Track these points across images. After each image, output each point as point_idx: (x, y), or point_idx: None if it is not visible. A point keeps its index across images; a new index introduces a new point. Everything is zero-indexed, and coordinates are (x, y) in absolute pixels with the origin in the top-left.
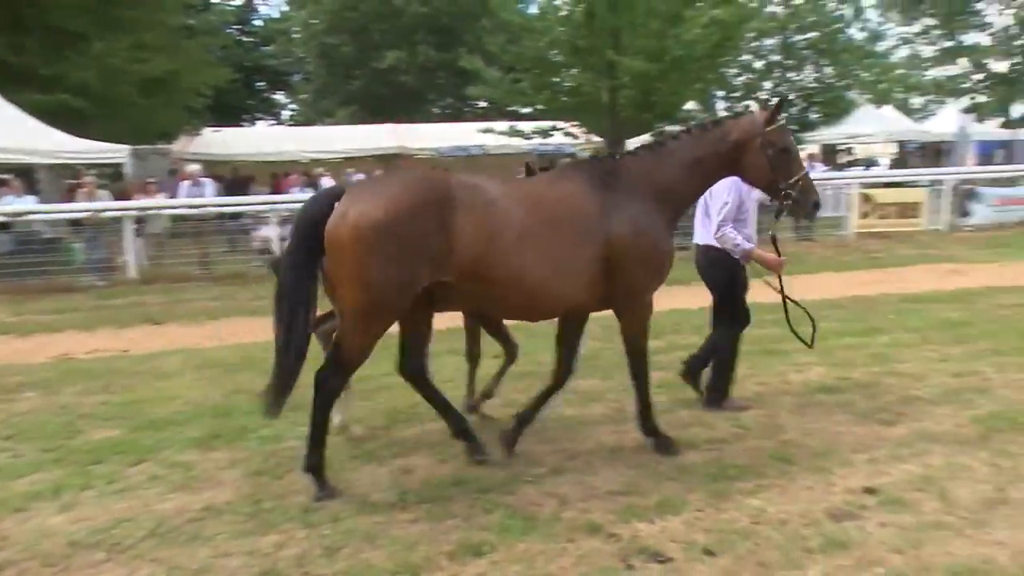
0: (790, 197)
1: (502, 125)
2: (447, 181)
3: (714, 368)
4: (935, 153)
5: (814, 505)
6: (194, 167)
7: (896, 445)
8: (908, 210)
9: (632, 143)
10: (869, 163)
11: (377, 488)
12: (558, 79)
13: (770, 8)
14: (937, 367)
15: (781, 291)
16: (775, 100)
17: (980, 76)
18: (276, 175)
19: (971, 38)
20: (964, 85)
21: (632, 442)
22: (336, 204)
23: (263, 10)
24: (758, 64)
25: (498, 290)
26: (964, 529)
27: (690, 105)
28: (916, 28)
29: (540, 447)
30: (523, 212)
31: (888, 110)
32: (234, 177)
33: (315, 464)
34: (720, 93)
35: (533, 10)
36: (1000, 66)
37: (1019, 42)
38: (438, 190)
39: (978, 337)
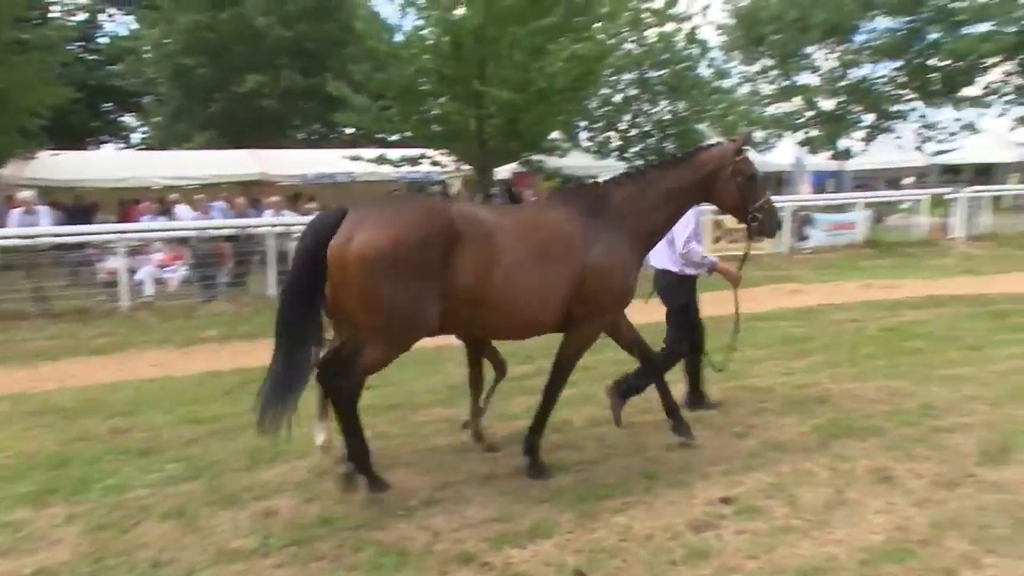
0: (756, 219)
1: (370, 152)
2: (449, 212)
3: (640, 370)
4: (776, 182)
5: (676, 518)
6: (27, 193)
7: (749, 456)
8: None
9: (500, 171)
10: None
11: (238, 534)
12: (426, 107)
13: (626, 46)
14: (782, 380)
15: (736, 307)
16: (742, 134)
17: (812, 113)
18: (124, 202)
19: (803, 79)
20: (799, 121)
21: (505, 469)
22: (339, 228)
23: (109, 27)
24: (617, 98)
25: (492, 314)
26: (810, 531)
27: (555, 135)
28: (756, 67)
29: (412, 479)
30: (516, 241)
31: None
32: (76, 204)
33: (363, 465)
34: (583, 124)
35: (400, 38)
36: (828, 104)
37: (843, 83)
38: (441, 221)
39: (817, 351)
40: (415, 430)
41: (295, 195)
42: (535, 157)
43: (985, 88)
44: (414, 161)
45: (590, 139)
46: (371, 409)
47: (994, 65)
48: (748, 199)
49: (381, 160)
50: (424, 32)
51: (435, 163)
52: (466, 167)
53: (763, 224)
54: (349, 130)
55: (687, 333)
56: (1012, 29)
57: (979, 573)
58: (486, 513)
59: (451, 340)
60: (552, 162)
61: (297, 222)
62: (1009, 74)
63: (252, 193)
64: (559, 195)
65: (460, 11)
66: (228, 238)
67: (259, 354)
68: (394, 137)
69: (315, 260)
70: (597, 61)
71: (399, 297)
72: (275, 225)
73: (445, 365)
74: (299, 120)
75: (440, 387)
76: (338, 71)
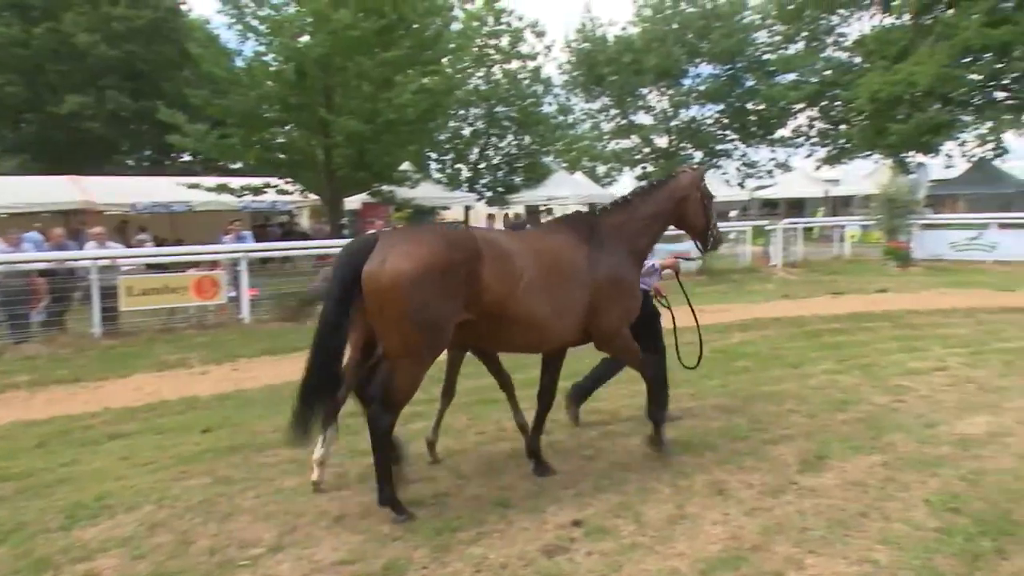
0: (712, 236)
1: (210, 181)
2: (473, 237)
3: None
4: None
5: (530, 545)
6: None
7: (598, 477)
8: None
9: (350, 201)
10: None
11: None
12: (270, 135)
13: (474, 81)
14: (628, 403)
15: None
16: (699, 164)
17: (648, 149)
18: None
19: (640, 118)
20: (637, 156)
21: (356, 507)
22: (372, 254)
23: None
24: (466, 131)
25: (511, 328)
26: (654, 546)
27: (405, 166)
28: (597, 105)
29: (256, 526)
30: (530, 262)
31: (579, 176)
32: None
33: (389, 496)
34: (433, 155)
35: (241, 64)
36: (662, 141)
37: (674, 123)
38: (467, 246)
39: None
40: (259, 472)
41: (122, 224)
42: (385, 188)
43: (794, 131)
44: (258, 190)
45: (440, 170)
46: (210, 453)
47: (801, 110)
48: (709, 219)
49: (221, 189)
50: (267, 58)
51: (281, 192)
52: (314, 197)
53: (716, 240)
54: (186, 156)
55: (658, 340)
56: (814, 80)
57: (802, 573)
58: (337, 555)
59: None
60: (402, 193)
61: (126, 255)
62: (813, 119)
63: (72, 223)
64: (561, 222)
65: (305, 39)
66: (43, 272)
67: (82, 399)
68: (236, 165)
69: (350, 283)
70: (445, 94)
71: (428, 317)
72: (99, 258)
73: (292, 403)
74: (129, 145)
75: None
76: (174, 95)
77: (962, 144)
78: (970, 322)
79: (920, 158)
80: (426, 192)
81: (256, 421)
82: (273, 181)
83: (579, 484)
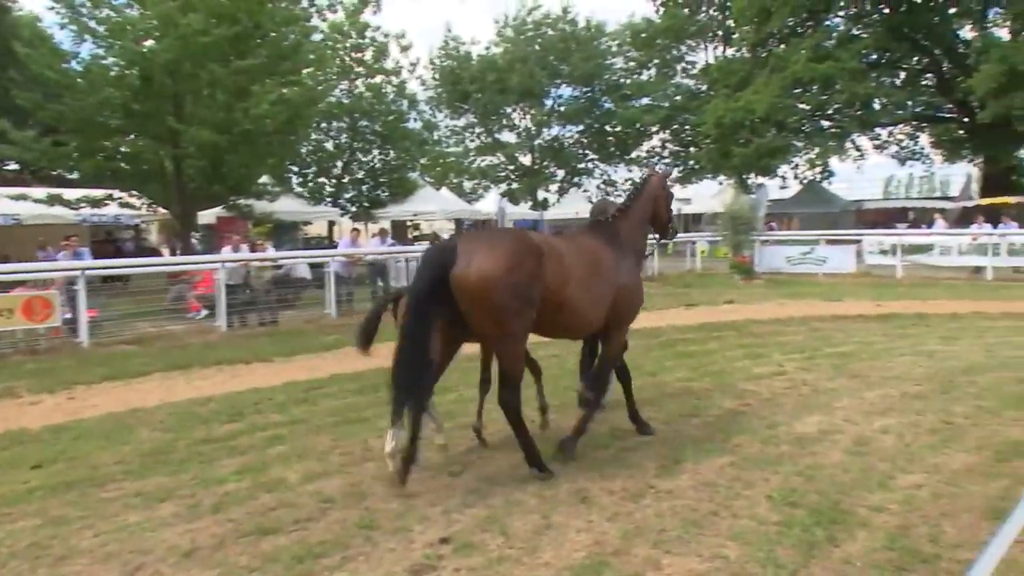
0: (673, 229)
1: (40, 192)
2: (535, 240)
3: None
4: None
5: (396, 566)
6: None
7: (466, 492)
8: None
9: (204, 215)
10: (435, 238)
11: None
12: (111, 144)
13: (337, 93)
14: (494, 416)
15: None
16: (660, 167)
17: (513, 167)
18: None
19: (504, 136)
20: (502, 173)
21: (209, 539)
22: (457, 258)
23: None
24: (329, 144)
25: (560, 315)
26: (521, 558)
27: (264, 179)
28: (463, 122)
29: (95, 567)
30: (576, 261)
31: (446, 191)
32: None
33: (536, 460)
34: (295, 169)
35: (77, 66)
36: (526, 159)
37: (537, 141)
38: (533, 248)
39: (525, 386)
40: (99, 509)
41: None
42: (242, 201)
43: (648, 151)
44: (98, 202)
45: (302, 184)
46: (40, 491)
47: (655, 133)
48: (669, 215)
49: (54, 200)
50: (107, 62)
51: (125, 204)
52: (163, 210)
53: (674, 231)
54: (13, 166)
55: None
56: (666, 105)
57: (659, 573)
58: None
59: (148, 402)
60: (261, 207)
61: None
62: (665, 141)
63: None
64: (588, 229)
65: (150, 44)
66: None
67: None
68: (73, 175)
69: (437, 283)
70: (306, 106)
71: (513, 307)
72: None
73: (137, 431)
74: None
75: (132, 456)
76: None
77: (795, 167)
78: (804, 330)
79: (760, 179)
80: (287, 206)
81: (97, 453)
82: (117, 193)
83: (446, 501)
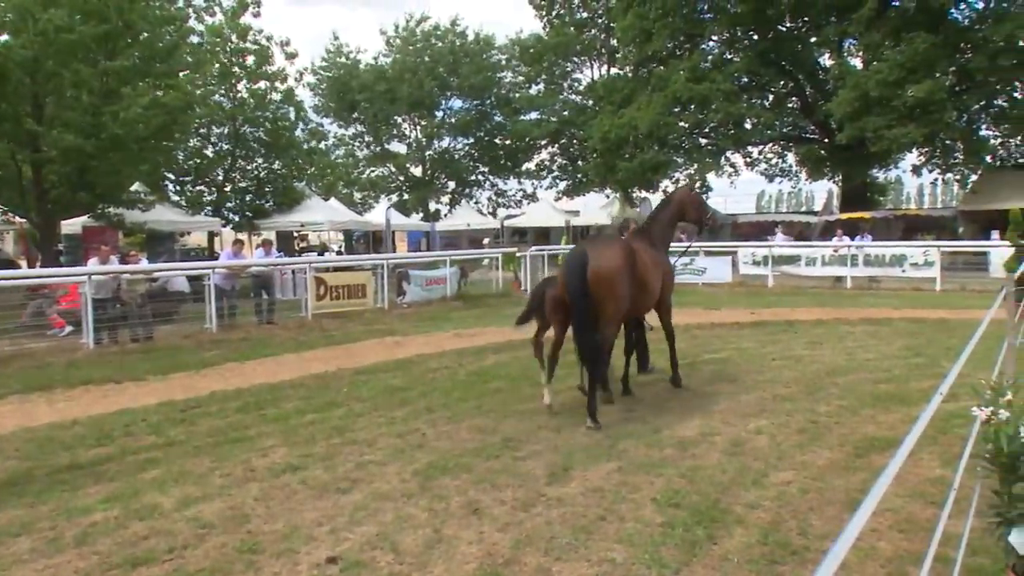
0: (711, 220)
1: None
2: (630, 243)
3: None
4: (377, 240)
5: None
6: None
7: (354, 510)
8: (356, 291)
9: (69, 224)
10: (322, 249)
11: None
12: None
13: (218, 98)
14: (384, 430)
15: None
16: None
17: (403, 177)
18: None
19: (395, 146)
20: (392, 184)
21: (72, 574)
22: (589, 260)
23: None
24: (209, 151)
25: (641, 296)
26: (412, 573)
27: (137, 187)
28: (352, 131)
29: None
30: (646, 258)
31: (334, 202)
32: None
33: (594, 410)
34: (172, 176)
35: None
36: (417, 171)
37: (428, 152)
38: (630, 249)
39: (416, 399)
40: None
41: None
42: (112, 210)
43: (538, 165)
44: None
45: (179, 193)
46: None
47: (544, 146)
48: (703, 213)
49: None
50: None
51: None
52: (20, 219)
53: (712, 223)
54: None
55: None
56: (554, 119)
57: None
58: None
59: (2, 428)
60: (133, 216)
61: None
62: (554, 155)
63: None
64: (639, 232)
65: (4, 39)
66: None
67: None
68: None
69: (582, 280)
70: (183, 111)
71: (625, 294)
72: None
73: None
74: None
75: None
76: None
77: (676, 182)
78: (685, 337)
79: (644, 193)
80: (163, 216)
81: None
82: None
83: (334, 519)
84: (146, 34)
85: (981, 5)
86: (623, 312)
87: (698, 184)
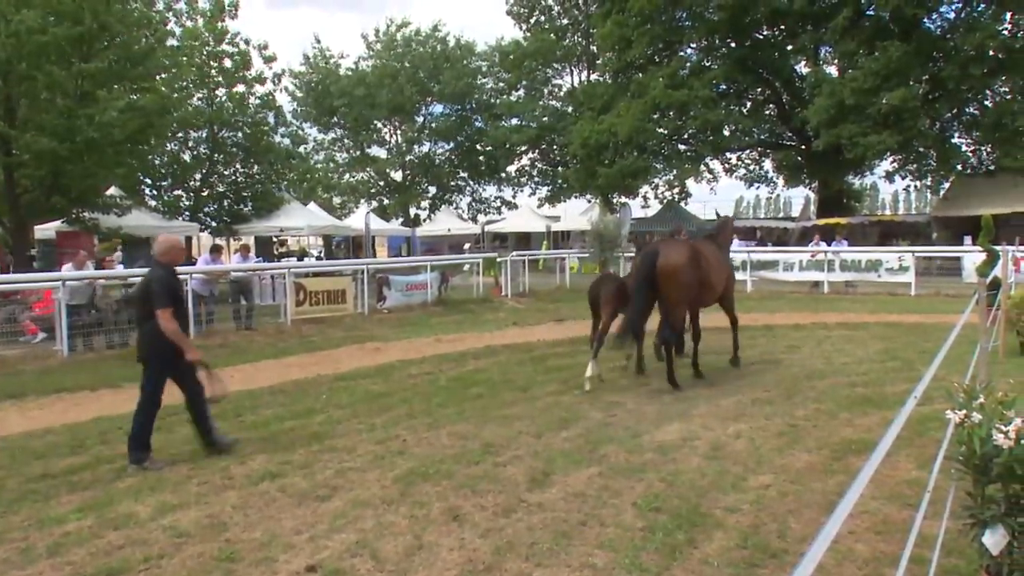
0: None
1: None
2: (696, 244)
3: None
4: (357, 246)
5: None
6: None
7: (334, 517)
8: (336, 296)
9: (43, 229)
10: (302, 254)
11: None
12: None
13: (196, 102)
14: (364, 437)
15: None
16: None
17: (383, 182)
18: None
19: (375, 151)
20: (373, 189)
21: None
22: (660, 257)
23: None
24: (187, 156)
25: (705, 290)
26: None
27: (113, 191)
28: (331, 136)
29: None
30: (712, 258)
31: (314, 206)
32: None
33: (673, 379)
34: (148, 181)
35: None
36: (397, 175)
37: (409, 157)
38: (697, 249)
39: (396, 405)
40: None
41: None
42: (87, 215)
43: (518, 170)
44: None
45: (156, 197)
46: None
47: (524, 152)
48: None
49: None
50: None
51: None
52: None
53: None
54: None
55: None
56: (534, 125)
57: None
58: None
59: None
60: (109, 221)
61: None
62: (535, 160)
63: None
64: (705, 238)
65: None
66: None
67: None
68: None
69: (651, 269)
70: (160, 114)
71: (687, 283)
72: None
73: None
74: None
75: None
76: None
77: (655, 188)
78: None
79: (623, 199)
80: (139, 220)
81: None
82: None
83: (314, 527)
84: (123, 37)
85: (953, 15)
86: (686, 300)
87: (677, 189)
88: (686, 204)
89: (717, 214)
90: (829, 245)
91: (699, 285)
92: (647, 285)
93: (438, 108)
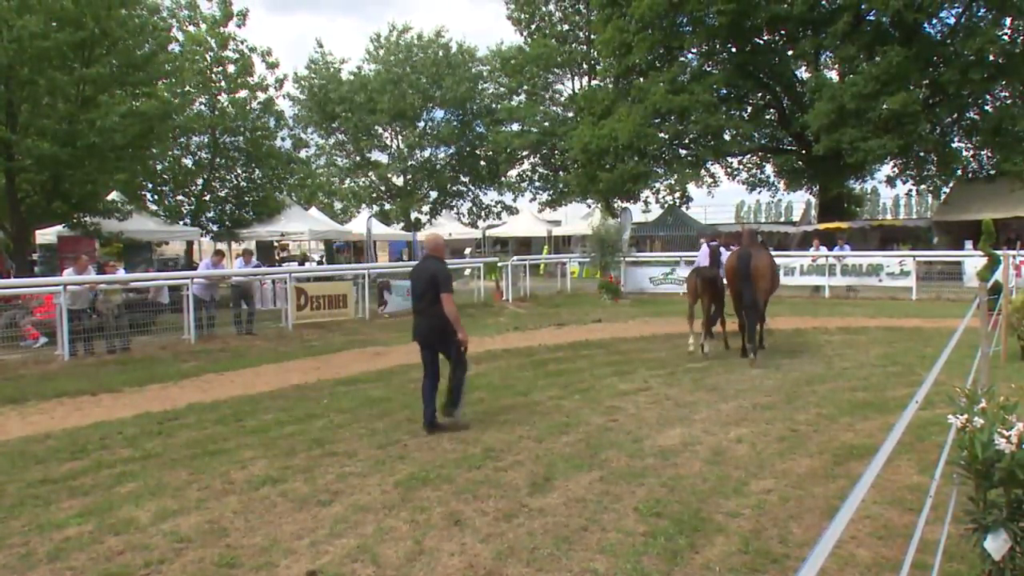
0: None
1: None
2: (768, 251)
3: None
4: (358, 250)
5: None
6: None
7: (334, 522)
8: (337, 301)
9: (44, 234)
10: (303, 259)
11: None
12: None
13: (198, 107)
14: (365, 442)
15: None
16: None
17: (384, 187)
18: None
19: (376, 156)
20: (374, 194)
21: None
22: (751, 259)
23: None
24: (188, 161)
25: (759, 284)
26: None
27: (114, 196)
28: (332, 141)
29: None
30: (763, 259)
31: (315, 211)
32: None
33: (756, 351)
34: (150, 186)
35: None
36: (398, 180)
37: (410, 162)
38: (770, 254)
39: (397, 410)
40: None
41: None
42: (88, 219)
43: (519, 175)
44: None
45: (158, 202)
46: None
47: (525, 157)
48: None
49: None
50: None
51: None
52: None
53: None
54: None
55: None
56: (535, 130)
57: None
58: None
59: None
60: (111, 225)
61: None
62: (536, 165)
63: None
64: (759, 244)
65: None
66: None
67: None
68: None
69: (747, 268)
70: (161, 120)
71: (769, 277)
72: None
73: None
74: None
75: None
76: None
77: (656, 192)
78: (667, 346)
79: (624, 203)
80: (141, 225)
81: None
82: None
83: (315, 532)
84: (125, 42)
85: (953, 20)
86: (768, 291)
87: (678, 194)
88: (687, 209)
89: (742, 225)
90: (830, 250)
91: (768, 281)
92: (742, 279)
93: (439, 113)
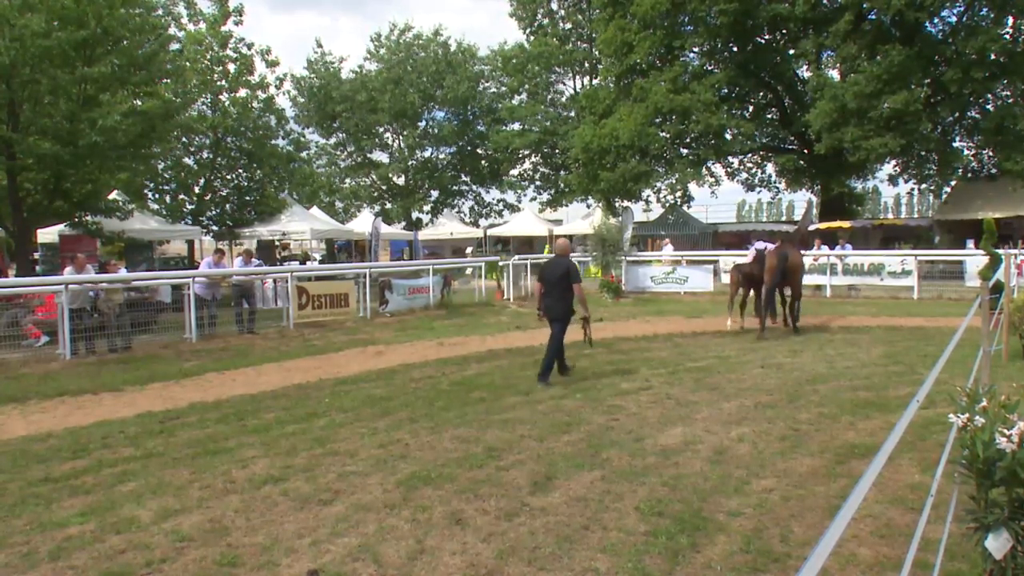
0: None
1: None
2: (791, 249)
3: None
4: (360, 250)
5: None
6: None
7: (335, 521)
8: (338, 300)
9: (45, 233)
10: (304, 258)
11: None
12: None
13: (199, 107)
14: (366, 441)
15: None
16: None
17: (386, 187)
18: None
19: (377, 156)
20: (375, 194)
21: None
22: (788, 256)
23: None
24: (190, 160)
25: (793, 279)
26: None
27: (116, 195)
28: (333, 141)
29: None
30: (796, 257)
31: (316, 211)
32: None
33: (798, 326)
34: (151, 185)
35: None
36: (399, 180)
37: (411, 162)
38: (798, 252)
39: (398, 408)
40: None
41: None
42: (90, 218)
43: (520, 174)
44: None
45: (159, 201)
46: None
47: (526, 156)
48: (810, 240)
49: None
50: None
51: None
52: None
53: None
54: None
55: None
56: (536, 129)
57: None
58: None
59: None
60: (112, 225)
61: None
62: (537, 165)
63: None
64: (789, 243)
65: None
66: None
67: None
68: None
69: (784, 264)
70: (163, 119)
71: (802, 272)
72: None
73: None
74: None
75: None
76: None
77: (658, 192)
78: (668, 346)
79: (625, 202)
80: (142, 224)
81: None
82: None
83: (316, 531)
84: (126, 41)
85: (954, 19)
86: (801, 283)
87: (679, 193)
88: (688, 208)
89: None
90: (832, 249)
91: (804, 273)
92: (781, 275)
93: (440, 113)
